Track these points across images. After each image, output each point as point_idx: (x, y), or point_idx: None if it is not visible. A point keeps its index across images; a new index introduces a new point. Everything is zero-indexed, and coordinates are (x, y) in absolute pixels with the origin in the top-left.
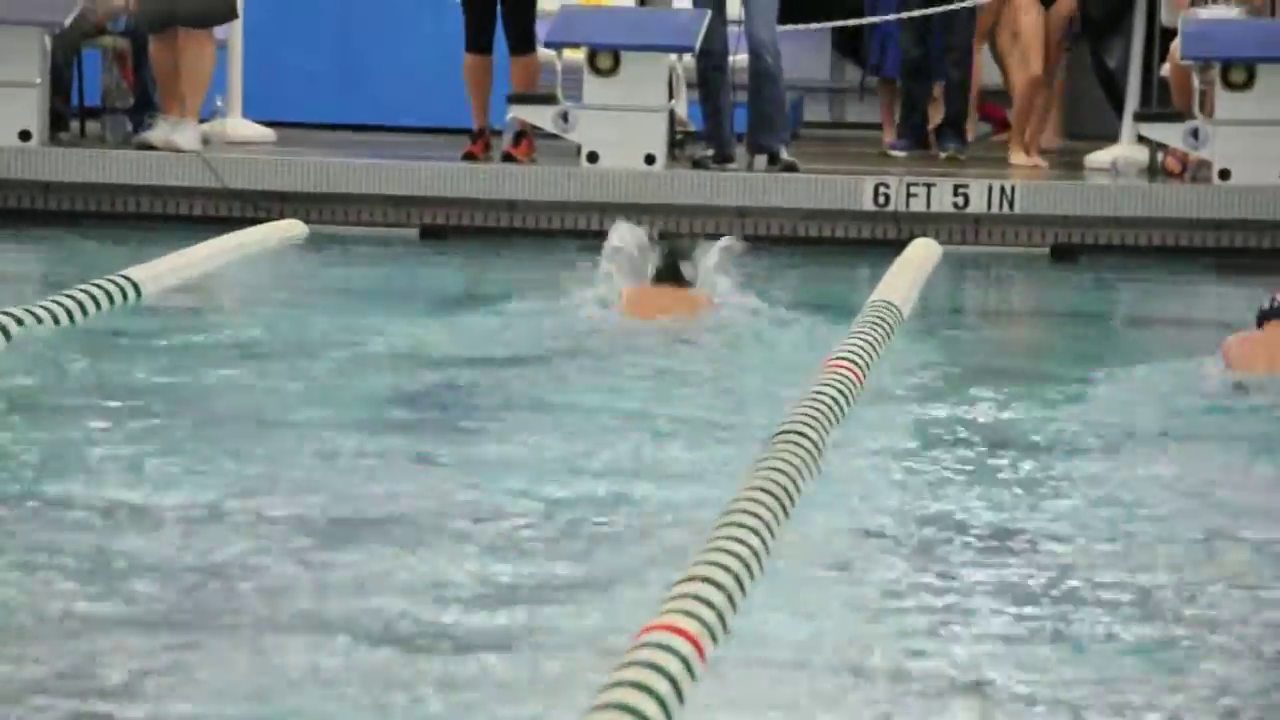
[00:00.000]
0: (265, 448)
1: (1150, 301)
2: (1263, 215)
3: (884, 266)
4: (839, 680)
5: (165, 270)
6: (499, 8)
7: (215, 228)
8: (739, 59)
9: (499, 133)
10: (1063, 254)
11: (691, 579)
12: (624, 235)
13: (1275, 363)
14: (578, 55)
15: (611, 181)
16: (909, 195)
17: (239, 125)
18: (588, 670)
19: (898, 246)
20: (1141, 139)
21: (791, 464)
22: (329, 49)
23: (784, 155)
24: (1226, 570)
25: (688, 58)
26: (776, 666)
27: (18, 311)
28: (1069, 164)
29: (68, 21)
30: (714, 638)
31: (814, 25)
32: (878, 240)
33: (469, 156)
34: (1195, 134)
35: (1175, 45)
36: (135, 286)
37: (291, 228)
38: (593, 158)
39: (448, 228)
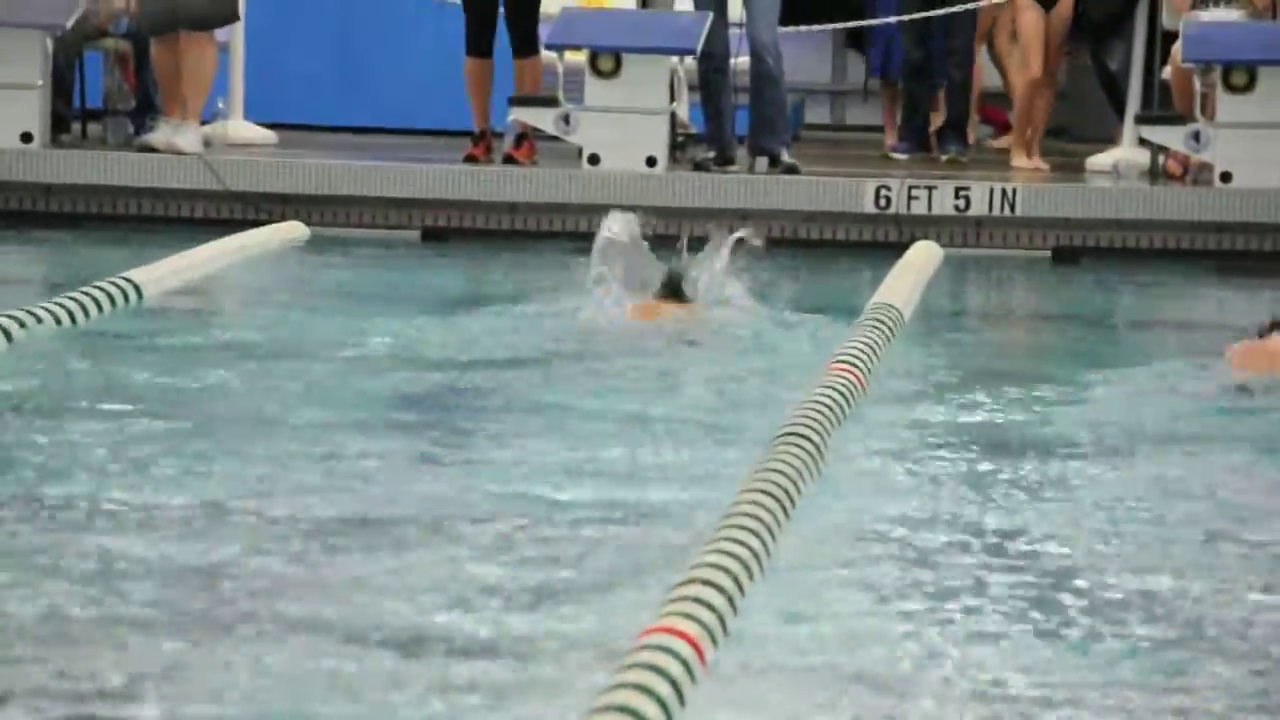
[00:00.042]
0: (266, 449)
1: (1152, 304)
2: (1264, 218)
3: (885, 269)
4: (839, 682)
5: (166, 272)
6: (500, 11)
7: (217, 230)
8: (740, 61)
9: (500, 135)
10: (1064, 256)
11: (692, 581)
12: (616, 226)
13: (1277, 365)
14: (579, 57)
15: (613, 184)
16: (910, 198)
17: (240, 127)
18: (588, 672)
19: (899, 249)
20: (1143, 142)
21: (792, 466)
22: (330, 51)
23: (785, 157)
24: (1230, 572)
25: (689, 60)
26: (777, 669)
27: (19, 313)
28: (1070, 166)
29: (69, 24)
30: (714, 640)
31: (816, 27)
32: (879, 243)
33: (470, 159)
34: (1196, 137)
35: (1176, 48)
36: (137, 288)
37: (293, 230)
38: (594, 160)
39: (449, 230)
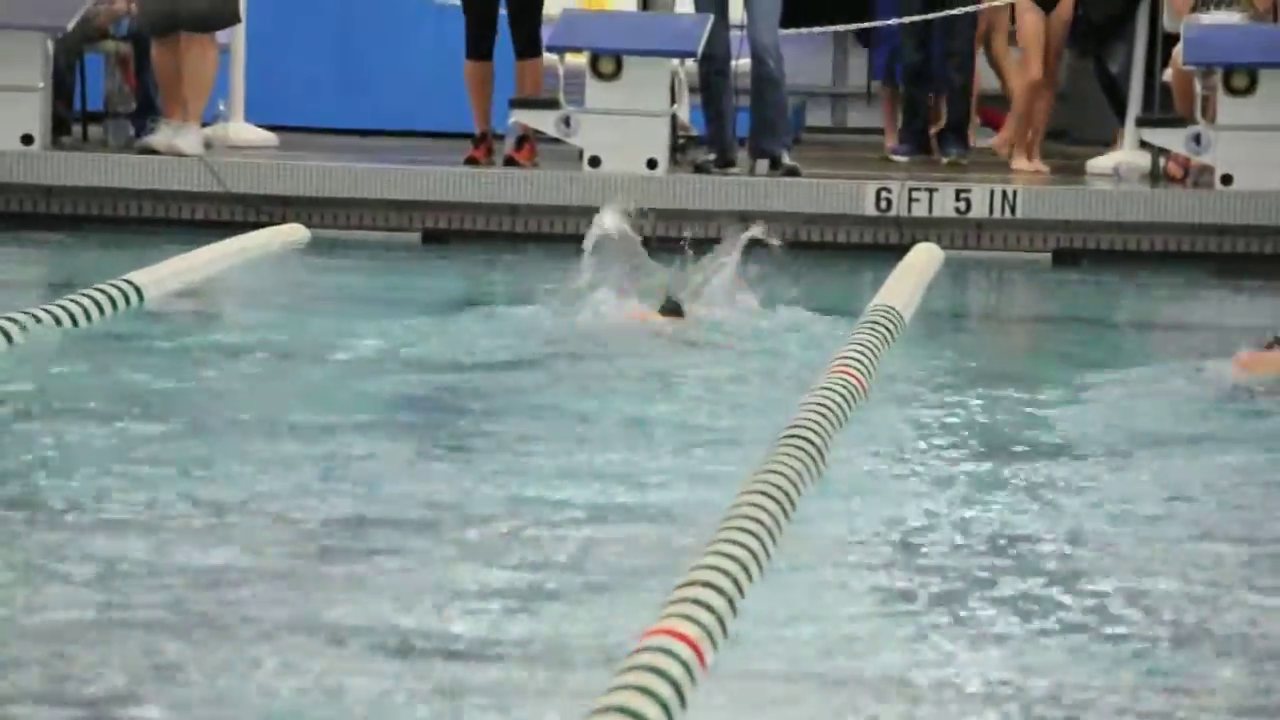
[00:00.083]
0: (266, 451)
1: (1152, 306)
2: (1265, 220)
3: (886, 271)
4: (839, 684)
5: (167, 274)
6: (500, 13)
7: (217, 232)
8: (741, 63)
9: (501, 137)
10: (1065, 259)
11: (692, 583)
12: (608, 221)
13: None
14: (580, 60)
15: (613, 186)
16: (911, 200)
17: (241, 129)
18: (588, 674)
19: (900, 251)
20: (1144, 144)
21: (793, 468)
22: (331, 53)
23: (786, 160)
24: (1230, 572)
25: (690, 62)
26: (777, 670)
27: (20, 316)
28: (1070, 169)
29: (70, 26)
30: (714, 642)
31: (817, 29)
32: (880, 245)
33: (471, 161)
34: (1197, 139)
35: (1177, 51)
36: (138, 290)
37: (293, 232)
38: (595, 162)
39: (450, 232)
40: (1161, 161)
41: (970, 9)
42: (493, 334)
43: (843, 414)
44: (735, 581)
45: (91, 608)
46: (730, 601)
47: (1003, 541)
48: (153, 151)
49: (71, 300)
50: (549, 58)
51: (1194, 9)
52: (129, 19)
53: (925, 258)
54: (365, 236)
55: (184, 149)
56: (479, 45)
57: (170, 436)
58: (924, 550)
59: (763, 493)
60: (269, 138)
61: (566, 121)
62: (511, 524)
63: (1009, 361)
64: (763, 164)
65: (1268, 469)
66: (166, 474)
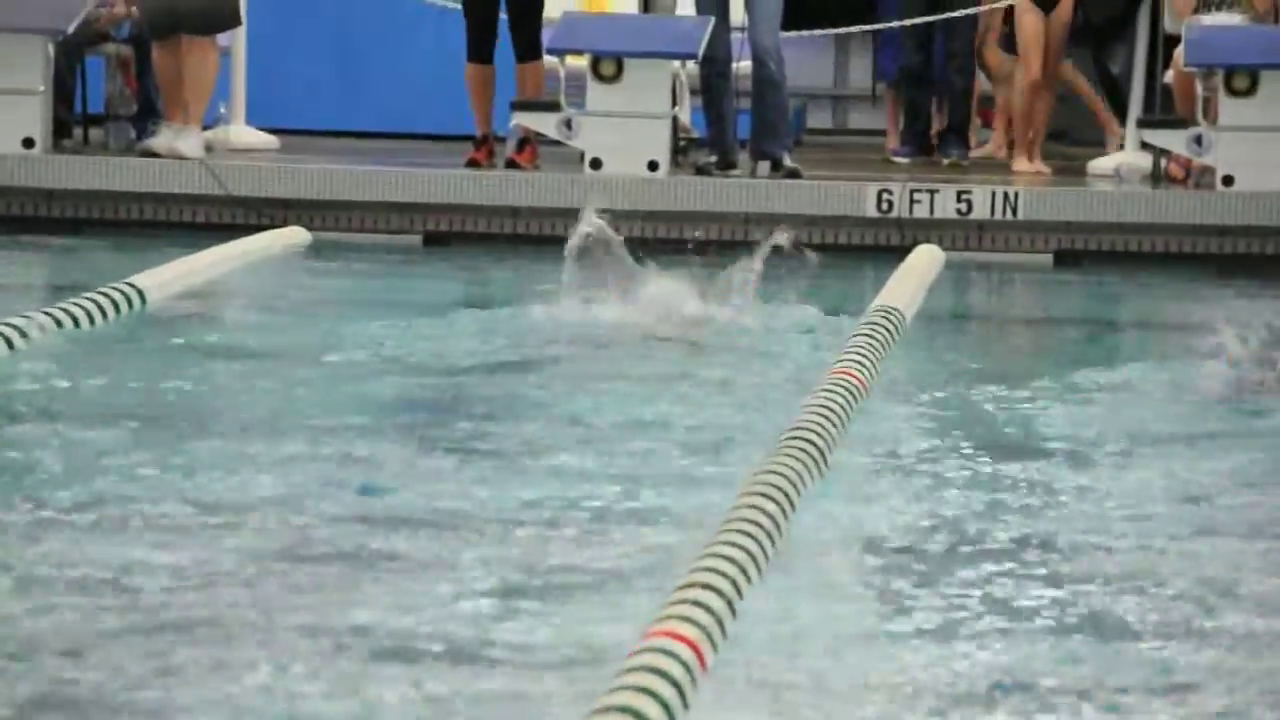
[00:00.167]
0: (268, 453)
1: (1153, 307)
2: (1266, 221)
3: (887, 272)
4: (839, 686)
5: (170, 277)
6: (501, 16)
7: (219, 235)
8: (742, 65)
9: (502, 140)
10: (1066, 260)
11: (692, 585)
12: (588, 225)
13: None
14: (581, 62)
15: (615, 188)
16: (912, 201)
17: (242, 132)
18: (588, 675)
19: (901, 252)
20: (1145, 145)
21: (795, 469)
22: (332, 56)
23: (787, 162)
24: (1230, 572)
25: (691, 64)
26: (777, 671)
27: (21, 320)
28: (1071, 170)
29: (71, 29)
30: (714, 644)
31: (818, 31)
32: (881, 246)
33: (472, 163)
34: (1199, 140)
35: (1178, 52)
36: (140, 294)
37: (295, 235)
38: (596, 164)
39: (451, 234)
40: (1163, 163)
41: (972, 11)
42: (494, 336)
43: (844, 415)
44: (734, 583)
45: (92, 609)
46: (729, 603)
47: (1003, 542)
48: (154, 154)
49: (74, 304)
50: (550, 60)
51: (1195, 10)
52: (130, 22)
53: (926, 259)
54: (366, 239)
55: (185, 152)
56: (480, 48)
57: (173, 439)
58: (924, 551)
59: (763, 494)
60: (270, 140)
61: (568, 124)
62: (510, 524)
63: (1010, 362)
64: (764, 166)
65: (1268, 469)
66: (169, 476)
